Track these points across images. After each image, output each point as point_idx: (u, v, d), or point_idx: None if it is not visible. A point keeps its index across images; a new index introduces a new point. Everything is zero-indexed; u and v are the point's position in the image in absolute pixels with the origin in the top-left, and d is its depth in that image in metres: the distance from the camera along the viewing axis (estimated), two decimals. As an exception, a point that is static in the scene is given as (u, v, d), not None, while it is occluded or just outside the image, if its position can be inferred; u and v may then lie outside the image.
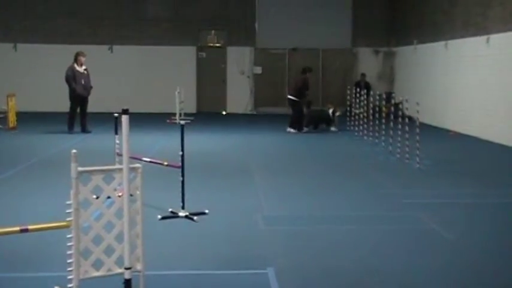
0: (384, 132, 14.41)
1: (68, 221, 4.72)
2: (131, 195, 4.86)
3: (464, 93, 17.55)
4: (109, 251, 4.89)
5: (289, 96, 18.04)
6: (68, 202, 4.69)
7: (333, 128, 17.97)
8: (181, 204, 7.96)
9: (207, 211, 8.07)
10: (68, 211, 4.69)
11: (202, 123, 20.07)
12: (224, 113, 24.24)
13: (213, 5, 24.22)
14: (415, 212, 8.35)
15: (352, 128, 17.82)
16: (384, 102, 19.28)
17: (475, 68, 16.84)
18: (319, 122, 18.06)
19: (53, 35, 23.74)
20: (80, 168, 4.66)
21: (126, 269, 4.81)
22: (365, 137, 15.85)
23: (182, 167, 7.97)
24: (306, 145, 15.34)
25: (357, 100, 17.39)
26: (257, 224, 7.71)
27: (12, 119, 17.60)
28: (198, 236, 7.19)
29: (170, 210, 8.07)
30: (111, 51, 24.11)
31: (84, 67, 16.89)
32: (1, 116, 18.00)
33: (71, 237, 4.70)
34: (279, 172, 11.50)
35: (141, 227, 4.96)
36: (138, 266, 4.97)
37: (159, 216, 7.80)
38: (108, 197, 4.91)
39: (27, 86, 22.90)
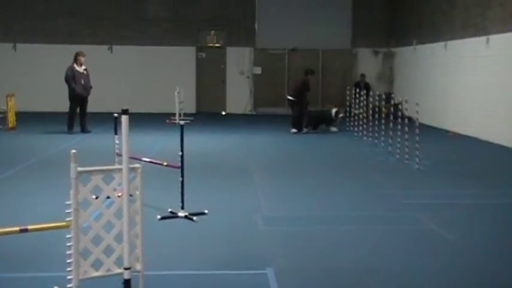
0: (383, 132, 14.41)
1: (67, 221, 4.72)
2: (131, 195, 4.86)
3: (464, 94, 17.55)
4: (108, 251, 4.89)
5: (289, 97, 18.08)
6: (67, 202, 4.69)
7: (333, 129, 17.96)
8: (180, 204, 7.96)
9: (206, 211, 8.07)
10: (67, 211, 4.69)
11: (202, 123, 20.07)
12: (224, 113, 24.24)
13: (212, 5, 24.22)
14: (414, 213, 8.36)
15: (351, 128, 17.82)
16: (383, 103, 19.30)
17: (475, 68, 16.84)
18: (319, 123, 18.05)
19: (53, 35, 23.74)
20: (80, 169, 4.66)
21: (126, 269, 4.81)
22: (364, 138, 15.85)
23: (182, 167, 7.97)
24: (306, 145, 15.34)
25: (357, 101, 17.39)
26: (256, 224, 7.71)
27: (11, 119, 17.59)
28: (198, 236, 7.19)
29: (170, 210, 8.07)
30: (111, 52, 24.11)
31: (83, 67, 16.89)
32: (0, 116, 17.99)
33: (70, 238, 4.70)
34: (278, 172, 11.51)
35: (140, 227, 4.96)
36: (138, 266, 4.97)
37: (159, 217, 7.80)
38: (108, 197, 4.91)
39: (26, 86, 22.90)
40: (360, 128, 16.54)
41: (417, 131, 11.78)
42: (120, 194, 4.91)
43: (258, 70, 24.77)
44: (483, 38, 16.23)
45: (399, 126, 12.75)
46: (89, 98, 17.10)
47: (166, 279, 5.76)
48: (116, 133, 8.88)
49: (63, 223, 4.80)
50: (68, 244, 4.70)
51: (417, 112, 12.10)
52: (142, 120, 19.06)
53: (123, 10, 24.16)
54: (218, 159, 13.00)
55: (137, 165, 5.04)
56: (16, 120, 17.74)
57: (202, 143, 15.32)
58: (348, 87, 19.76)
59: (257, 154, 13.94)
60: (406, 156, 12.20)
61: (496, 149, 14.73)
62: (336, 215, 8.29)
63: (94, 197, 4.83)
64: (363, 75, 24.05)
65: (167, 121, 19.51)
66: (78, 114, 16.92)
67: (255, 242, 6.97)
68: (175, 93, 19.72)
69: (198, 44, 24.55)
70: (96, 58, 21.49)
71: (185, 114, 20.44)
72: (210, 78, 24.68)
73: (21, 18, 23.80)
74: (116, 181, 4.91)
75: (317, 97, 23.12)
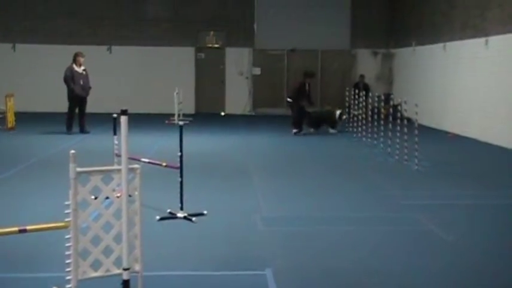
0: (382, 133, 14.42)
1: (66, 221, 4.72)
2: (130, 195, 4.86)
3: (463, 95, 17.56)
4: (107, 251, 4.88)
5: (288, 99, 18.14)
6: (66, 203, 4.69)
7: (331, 130, 17.94)
8: (179, 205, 7.96)
9: (205, 212, 8.06)
10: (66, 211, 4.68)
11: (201, 124, 20.07)
12: (223, 113, 24.24)
13: (212, 6, 24.23)
14: (414, 214, 8.35)
15: (350, 129, 17.82)
16: (382, 104, 19.33)
17: (474, 69, 16.85)
18: (320, 123, 18.03)
19: (52, 35, 23.73)
20: (79, 169, 4.65)
21: (125, 269, 4.81)
22: (364, 139, 15.85)
23: (181, 167, 7.97)
24: (305, 146, 15.34)
25: (356, 101, 17.39)
26: (256, 225, 7.71)
27: (10, 119, 17.59)
28: (197, 237, 7.18)
29: (169, 211, 8.07)
30: (110, 52, 24.10)
31: (83, 67, 16.89)
32: (0, 116, 17.98)
33: (69, 238, 4.69)
34: (277, 173, 11.51)
35: (139, 228, 4.96)
36: (137, 267, 4.96)
37: (158, 217, 7.80)
38: (107, 198, 4.90)
39: (25, 86, 22.89)
40: (359, 128, 16.54)
41: (416, 132, 11.78)
42: (119, 195, 4.91)
43: (257, 71, 24.78)
44: (482, 39, 16.24)
45: (398, 127, 12.74)
46: (88, 99, 17.10)
47: (165, 280, 5.75)
48: (115, 133, 8.88)
49: (62, 223, 4.79)
50: (67, 244, 4.69)
51: (416, 113, 12.10)
52: (141, 120, 19.06)
53: (123, 11, 24.16)
54: (217, 160, 12.99)
55: (136, 165, 5.03)
56: (15, 121, 17.74)
57: (202, 143, 15.32)
58: (347, 88, 19.77)
59: (256, 155, 13.94)
60: (405, 157, 12.20)
61: (495, 150, 14.74)
62: (335, 216, 8.29)
63: (93, 197, 4.83)
64: (362, 76, 24.05)
65: (166, 122, 19.51)
66: (77, 115, 16.92)
67: (254, 243, 6.97)
68: (175, 93, 19.72)
69: (197, 44, 24.55)
70: (96, 58, 21.48)
71: (184, 115, 20.45)
72: (209, 79, 24.69)
73: (20, 19, 23.79)
74: (115, 181, 4.91)
75: (316, 98, 23.10)
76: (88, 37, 23.60)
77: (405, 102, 13.16)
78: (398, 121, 12.84)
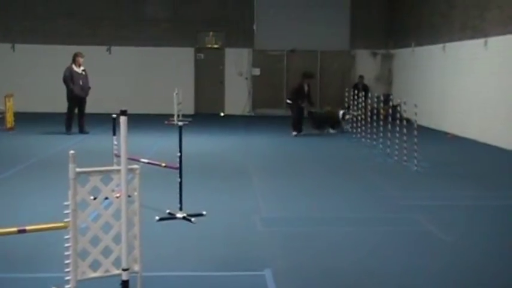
0: (381, 134, 14.43)
1: (65, 221, 4.72)
2: (129, 196, 4.86)
3: (462, 96, 17.57)
4: (107, 252, 4.88)
5: (287, 100, 18.17)
6: (65, 203, 4.69)
7: (331, 130, 17.95)
8: (179, 205, 7.96)
9: (204, 212, 8.07)
10: (65, 212, 4.68)
11: (201, 124, 20.06)
12: (222, 114, 24.24)
13: (211, 6, 24.22)
14: (413, 214, 8.36)
15: (350, 130, 17.83)
16: (381, 105, 19.34)
17: (473, 70, 16.86)
18: (323, 124, 18.05)
19: (52, 35, 23.72)
20: (78, 169, 4.65)
21: (124, 270, 4.81)
22: (363, 139, 15.85)
23: (180, 168, 7.97)
24: (304, 147, 15.34)
25: (355, 102, 17.39)
26: (255, 226, 7.71)
27: (10, 119, 17.59)
28: (196, 238, 7.18)
29: (168, 211, 8.07)
30: (109, 52, 24.10)
31: (82, 68, 16.89)
32: (-1, 116, 18.01)
33: (68, 238, 4.69)
34: (277, 174, 11.51)
35: (138, 228, 4.96)
36: (136, 267, 4.96)
37: (157, 218, 7.80)
38: (106, 198, 4.90)
39: (25, 87, 22.88)
40: (359, 129, 16.55)
41: (415, 132, 11.79)
42: (118, 195, 4.91)
43: (256, 71, 24.77)
44: (481, 40, 16.25)
45: (397, 128, 12.75)
46: (88, 99, 17.11)
47: (164, 281, 5.75)
48: (114, 134, 8.88)
49: (61, 224, 4.79)
50: (66, 245, 4.69)
51: (415, 114, 12.11)
52: (140, 121, 19.05)
53: (122, 11, 24.16)
54: (216, 160, 12.99)
55: (135, 166, 5.03)
56: (14, 121, 17.74)
57: (201, 144, 15.33)
58: (347, 89, 19.77)
59: (255, 155, 13.94)
60: (405, 158, 12.20)
61: (495, 151, 14.74)
62: (334, 217, 8.30)
63: (92, 197, 4.83)
64: (361, 77, 24.05)
65: (166, 122, 19.50)
66: (76, 115, 16.92)
67: (253, 243, 6.97)
68: (174, 94, 19.72)
69: (196, 45, 24.54)
70: (95, 59, 21.47)
71: (184, 115, 20.44)
72: (208, 79, 24.69)
73: (20, 19, 23.78)
74: (114, 182, 4.91)
75: (316, 98, 23.09)
76: (87, 37, 23.59)
77: (404, 103, 13.17)
78: (398, 122, 12.84)
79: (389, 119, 13.64)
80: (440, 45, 19.20)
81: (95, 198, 4.84)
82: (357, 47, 24.82)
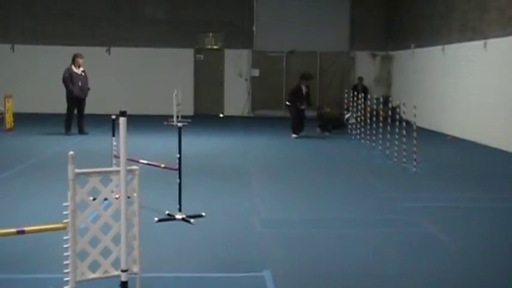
0: (381, 135, 14.43)
1: (64, 222, 4.71)
2: (128, 197, 4.86)
3: (462, 97, 17.57)
4: (106, 253, 4.88)
5: (286, 102, 18.18)
6: (64, 204, 4.68)
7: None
8: (178, 206, 7.95)
9: (204, 214, 8.06)
10: (64, 213, 4.68)
11: (200, 125, 20.05)
12: (221, 115, 24.24)
13: (211, 7, 24.22)
14: (412, 216, 8.36)
15: (349, 131, 17.83)
16: (381, 106, 19.34)
17: (472, 72, 16.86)
18: (331, 125, 18.11)
19: (51, 36, 23.72)
20: (77, 170, 4.65)
21: (123, 271, 4.80)
22: (362, 141, 15.86)
23: (179, 169, 7.97)
24: (303, 148, 15.34)
25: (355, 104, 17.39)
26: (254, 227, 7.70)
27: (9, 120, 17.59)
28: (195, 239, 7.18)
29: (167, 212, 8.07)
30: (109, 53, 24.10)
31: (81, 69, 16.89)
32: (-2, 117, 18.01)
33: (67, 239, 4.69)
34: (276, 175, 11.50)
35: (138, 229, 4.96)
36: (135, 268, 4.96)
37: (156, 219, 7.79)
38: (105, 199, 4.90)
39: (24, 87, 22.89)
40: (358, 131, 16.55)
41: (415, 134, 11.78)
42: (117, 196, 4.90)
43: (256, 72, 24.78)
44: (481, 42, 16.26)
45: (397, 130, 12.75)
46: (87, 100, 17.10)
47: (163, 282, 5.75)
48: (113, 135, 8.88)
49: (61, 225, 4.78)
50: (65, 246, 4.69)
51: (415, 115, 12.11)
52: (140, 122, 19.04)
53: (122, 12, 24.17)
54: (216, 162, 12.99)
55: (135, 167, 5.03)
56: (14, 122, 17.73)
57: (200, 145, 15.32)
58: (346, 90, 19.77)
59: (255, 156, 13.94)
60: (404, 159, 12.20)
61: (494, 152, 14.75)
62: (333, 218, 8.29)
63: (91, 198, 4.83)
64: (360, 78, 24.06)
65: (165, 123, 19.48)
66: (76, 116, 16.92)
67: (252, 245, 6.97)
68: (174, 95, 19.71)
69: (196, 46, 24.55)
70: (95, 60, 21.48)
71: (183, 116, 20.42)
72: (208, 81, 24.69)
73: (19, 20, 23.79)
74: (114, 183, 4.91)
75: (315, 99, 23.09)
76: (87, 38, 23.60)
77: (404, 105, 13.17)
78: (397, 123, 12.84)
79: (389, 120, 13.64)
80: (439, 47, 19.21)
81: (94, 199, 4.84)
82: (356, 48, 24.84)
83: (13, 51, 23.84)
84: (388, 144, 13.51)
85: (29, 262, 6.19)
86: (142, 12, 24.21)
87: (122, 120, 4.74)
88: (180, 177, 7.97)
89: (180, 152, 7.92)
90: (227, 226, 7.73)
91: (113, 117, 8.58)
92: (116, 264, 4.88)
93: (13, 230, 4.92)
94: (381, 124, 14.36)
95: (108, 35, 24.03)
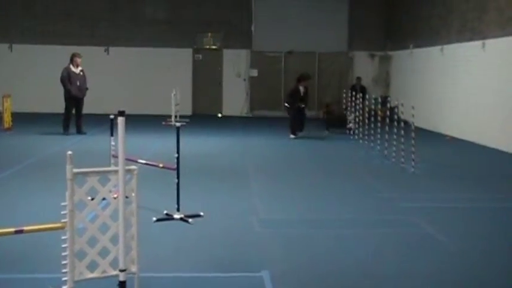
0: (379, 136, 14.43)
1: (63, 222, 4.71)
2: (126, 197, 4.85)
3: (460, 98, 17.58)
4: (104, 252, 4.88)
5: (285, 103, 18.18)
6: (63, 203, 4.68)
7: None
8: (176, 206, 7.95)
9: (202, 213, 8.06)
10: (63, 212, 4.67)
11: (198, 125, 20.05)
12: (220, 115, 24.24)
13: (209, 7, 24.22)
14: (411, 216, 8.36)
15: (348, 131, 17.83)
16: (379, 106, 19.35)
17: (471, 72, 16.87)
18: (337, 126, 18.19)
19: (50, 35, 23.70)
20: (75, 170, 4.64)
21: (121, 271, 4.80)
22: (360, 141, 15.86)
23: (177, 169, 7.97)
24: (302, 148, 15.34)
25: (353, 104, 17.39)
26: (252, 227, 7.70)
27: (7, 119, 17.58)
28: (193, 239, 7.18)
29: (165, 212, 8.06)
30: (107, 53, 24.09)
31: (80, 68, 16.88)
32: (-4, 116, 17.99)
33: (65, 239, 4.69)
34: (274, 175, 11.50)
35: (136, 229, 4.95)
36: (133, 268, 4.96)
37: (154, 218, 7.79)
38: (104, 199, 4.90)
39: (23, 87, 22.86)
40: (356, 131, 16.55)
41: (413, 134, 11.79)
42: (115, 196, 4.90)
43: (254, 72, 24.78)
44: (479, 42, 16.27)
45: (395, 130, 12.76)
46: (85, 99, 17.09)
47: (161, 281, 5.75)
48: (112, 135, 8.87)
49: (59, 224, 4.78)
50: (63, 245, 4.68)
51: (413, 116, 12.12)
52: (138, 122, 19.03)
53: (120, 11, 24.16)
54: (214, 162, 12.99)
55: (133, 167, 5.03)
56: (12, 121, 17.72)
57: (199, 145, 15.32)
58: (344, 90, 19.77)
59: (253, 156, 13.94)
60: (402, 159, 12.20)
61: (493, 153, 14.76)
62: (331, 218, 8.29)
63: (90, 198, 4.82)
64: (359, 78, 24.07)
65: (163, 123, 19.49)
66: (74, 116, 16.90)
67: (250, 245, 6.96)
68: (172, 95, 19.71)
69: (194, 46, 24.54)
70: (93, 59, 21.46)
71: (181, 116, 20.43)
72: (206, 80, 24.69)
73: (17, 19, 23.77)
74: (112, 183, 4.90)
75: (313, 100, 23.12)
76: (85, 38, 23.59)
77: (402, 105, 13.18)
78: (395, 123, 12.85)
79: (387, 120, 13.65)
80: (438, 47, 19.22)
81: (92, 199, 4.84)
82: (355, 48, 24.85)
83: (11, 50, 23.82)
84: (386, 144, 13.51)
85: (27, 262, 6.19)
86: (141, 12, 24.21)
87: (121, 120, 4.74)
88: (178, 177, 7.97)
89: (178, 152, 7.92)
90: (225, 226, 7.73)
91: (111, 117, 8.58)
92: (114, 264, 4.87)
93: (11, 229, 4.91)
94: (379, 124, 14.36)
95: (107, 35, 24.02)
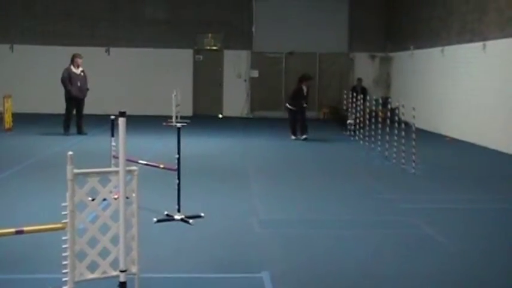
0: (380, 137, 14.43)
1: (63, 222, 4.71)
2: (127, 197, 4.86)
3: (460, 99, 17.58)
4: (104, 253, 4.88)
5: (287, 104, 18.12)
6: (63, 204, 4.68)
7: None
8: (177, 207, 7.95)
9: (202, 214, 8.06)
10: (63, 213, 4.68)
11: (199, 126, 20.02)
12: (220, 116, 24.24)
13: (210, 8, 24.23)
14: (411, 217, 8.36)
15: (348, 132, 17.83)
16: (380, 107, 19.34)
17: (471, 73, 16.87)
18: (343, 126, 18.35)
19: (50, 36, 23.72)
20: (76, 170, 4.65)
21: (121, 271, 4.80)
22: (361, 142, 15.86)
23: (178, 170, 7.97)
24: (302, 149, 15.35)
25: (353, 105, 17.39)
26: (253, 228, 7.71)
27: (8, 120, 17.58)
28: (194, 239, 7.18)
29: (166, 213, 8.07)
30: (108, 54, 24.11)
31: (80, 69, 16.89)
32: (-3, 117, 18.00)
33: (66, 239, 4.69)
34: (275, 176, 11.50)
35: (136, 230, 4.96)
36: (133, 269, 4.96)
37: (155, 219, 7.79)
38: (104, 199, 4.90)
39: (23, 87, 22.87)
40: (357, 132, 16.55)
41: (414, 135, 11.79)
42: (116, 196, 4.91)
43: (255, 73, 24.78)
44: (480, 44, 16.27)
45: (396, 131, 12.76)
46: (86, 100, 17.09)
47: (161, 282, 5.75)
48: (112, 135, 8.87)
49: (59, 225, 4.78)
50: (63, 246, 4.69)
51: (414, 117, 12.12)
52: (139, 122, 19.04)
53: (121, 12, 24.17)
54: (215, 162, 12.99)
55: (134, 167, 5.03)
56: (13, 122, 17.73)
57: (199, 145, 15.32)
58: (345, 91, 19.77)
59: (254, 157, 13.94)
60: (403, 160, 12.20)
61: (493, 154, 14.75)
62: (331, 219, 8.30)
63: (90, 199, 4.83)
64: (359, 80, 24.07)
65: (164, 124, 19.42)
66: (74, 116, 16.91)
67: (251, 245, 6.97)
68: (173, 95, 19.67)
69: (195, 46, 24.55)
70: (94, 60, 21.47)
71: (182, 117, 20.37)
72: (207, 81, 24.69)
73: (18, 20, 23.78)
74: (112, 183, 4.91)
75: (314, 100, 23.14)
76: (86, 38, 23.60)
77: (403, 106, 13.18)
78: (396, 125, 12.85)
79: (388, 121, 13.65)
80: (438, 49, 19.22)
81: (93, 200, 4.84)
82: (355, 49, 24.85)
83: (12, 51, 23.84)
84: (387, 145, 13.51)
85: (27, 262, 6.19)
86: (141, 12, 24.22)
87: (121, 121, 4.74)
88: (179, 178, 7.97)
89: (179, 153, 7.93)
90: (226, 227, 7.73)
91: (112, 117, 8.58)
92: (114, 264, 4.88)
93: (12, 230, 4.92)
94: (379, 125, 14.35)
95: (107, 35, 24.03)
